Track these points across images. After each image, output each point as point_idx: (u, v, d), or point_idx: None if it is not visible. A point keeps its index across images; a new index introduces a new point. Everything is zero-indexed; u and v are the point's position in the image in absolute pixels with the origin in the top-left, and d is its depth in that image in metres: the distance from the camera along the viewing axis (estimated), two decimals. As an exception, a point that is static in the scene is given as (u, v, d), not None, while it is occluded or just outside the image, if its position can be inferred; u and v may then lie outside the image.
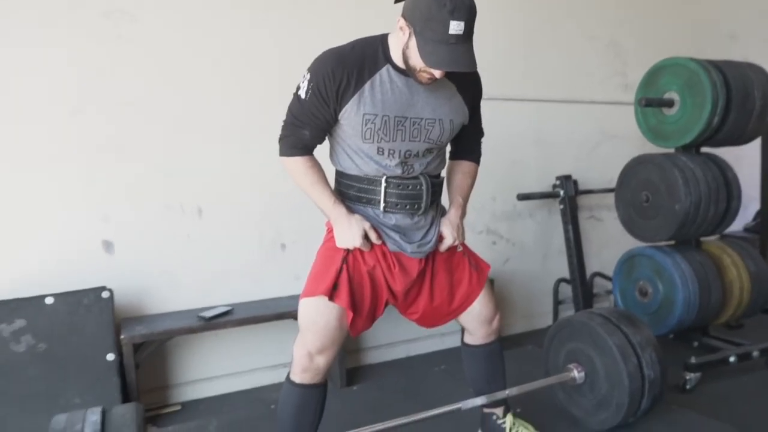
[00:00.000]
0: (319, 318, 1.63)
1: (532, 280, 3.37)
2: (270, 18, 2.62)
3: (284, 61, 2.58)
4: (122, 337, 2.26)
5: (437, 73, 1.48)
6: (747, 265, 2.63)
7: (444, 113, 1.62)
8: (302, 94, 1.56)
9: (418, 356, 3.03)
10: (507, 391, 1.96)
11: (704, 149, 2.67)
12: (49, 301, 2.19)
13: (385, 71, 1.55)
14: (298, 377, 1.66)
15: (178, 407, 2.54)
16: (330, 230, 1.71)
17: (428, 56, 1.43)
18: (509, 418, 2.01)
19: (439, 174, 1.78)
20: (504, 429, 2.00)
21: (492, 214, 3.20)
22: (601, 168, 3.45)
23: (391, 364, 2.93)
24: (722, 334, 2.83)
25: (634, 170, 2.65)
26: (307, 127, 1.59)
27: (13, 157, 2.24)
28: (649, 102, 2.56)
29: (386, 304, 1.74)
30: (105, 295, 2.27)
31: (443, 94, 1.62)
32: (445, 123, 1.63)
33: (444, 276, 1.77)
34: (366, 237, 1.64)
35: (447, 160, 1.82)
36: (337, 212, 1.64)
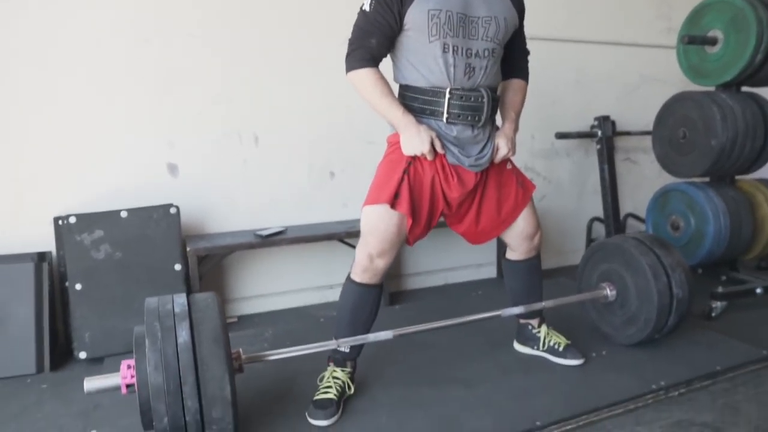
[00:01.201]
0: (380, 223, 1.79)
1: (567, 218, 3.50)
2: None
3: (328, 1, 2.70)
4: (188, 249, 2.48)
5: None
6: (780, 202, 2.71)
7: (498, 11, 1.74)
8: (366, 7, 1.70)
9: (455, 284, 3.22)
10: (543, 303, 2.13)
11: (745, 89, 2.71)
12: (123, 214, 2.41)
13: None
14: (358, 277, 1.84)
15: (235, 319, 2.77)
16: (392, 144, 1.85)
17: None
18: (543, 328, 2.19)
19: (496, 89, 1.88)
20: (539, 337, 2.18)
21: (530, 152, 3.31)
22: (639, 110, 3.51)
23: (430, 290, 3.13)
24: (751, 272, 2.94)
25: (673, 108, 2.72)
26: (374, 36, 1.70)
27: (89, 86, 2.43)
28: (692, 39, 2.61)
29: (441, 214, 1.90)
30: (172, 210, 2.47)
31: None
32: (500, 20, 1.74)
33: (493, 191, 1.92)
34: (432, 145, 1.75)
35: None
36: (406, 120, 1.74)
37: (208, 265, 2.58)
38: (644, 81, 3.56)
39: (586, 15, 3.33)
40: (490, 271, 3.30)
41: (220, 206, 2.73)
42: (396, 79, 1.84)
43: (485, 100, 1.77)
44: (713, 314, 2.56)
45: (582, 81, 3.40)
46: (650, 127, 2.96)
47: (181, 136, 2.61)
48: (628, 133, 3.41)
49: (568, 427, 1.78)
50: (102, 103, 2.45)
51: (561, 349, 2.15)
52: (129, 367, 1.62)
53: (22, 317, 2.25)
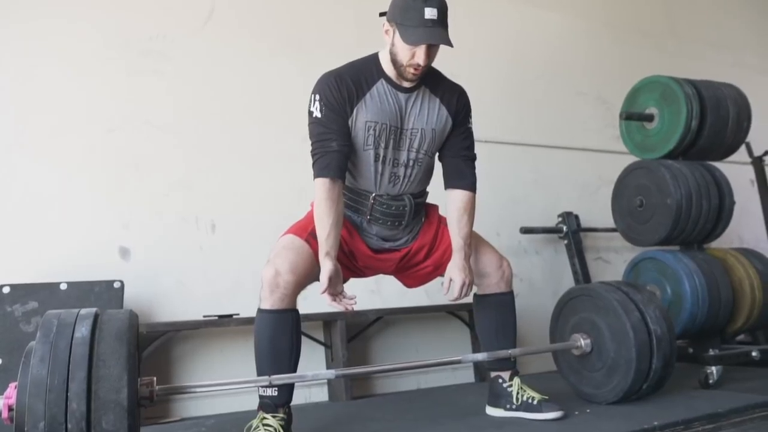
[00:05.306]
0: (296, 243, 1.74)
1: (546, 318, 3.30)
2: (280, 62, 2.95)
3: (289, 97, 2.86)
4: (128, 327, 2.29)
5: (421, 59, 1.66)
6: (753, 264, 2.61)
7: (428, 123, 1.81)
8: (317, 113, 1.71)
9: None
10: (510, 351, 1.92)
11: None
12: (63, 287, 2.28)
13: (380, 84, 1.76)
14: (267, 302, 1.68)
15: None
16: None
17: (409, 37, 1.64)
18: (516, 380, 1.94)
19: (423, 190, 1.92)
20: (511, 393, 1.92)
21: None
22: (603, 210, 3.51)
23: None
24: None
25: (626, 180, 2.77)
26: (333, 137, 1.69)
27: (54, 161, 2.48)
28: (630, 115, 2.76)
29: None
30: (116, 285, 2.35)
31: (429, 106, 1.81)
32: (427, 132, 1.81)
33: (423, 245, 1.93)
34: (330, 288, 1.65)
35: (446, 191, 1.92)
36: (329, 255, 1.66)
37: (150, 348, 2.36)
38: (604, 183, 3.65)
39: (536, 121, 3.56)
40: (468, 375, 3.02)
41: (172, 293, 2.59)
42: None
43: (407, 208, 1.83)
44: (711, 381, 2.29)
45: (541, 182, 3.50)
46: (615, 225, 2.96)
47: (137, 220, 2.59)
48: (594, 230, 3.41)
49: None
50: (62, 177, 2.47)
51: (536, 402, 1.88)
52: (16, 387, 1.41)
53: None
